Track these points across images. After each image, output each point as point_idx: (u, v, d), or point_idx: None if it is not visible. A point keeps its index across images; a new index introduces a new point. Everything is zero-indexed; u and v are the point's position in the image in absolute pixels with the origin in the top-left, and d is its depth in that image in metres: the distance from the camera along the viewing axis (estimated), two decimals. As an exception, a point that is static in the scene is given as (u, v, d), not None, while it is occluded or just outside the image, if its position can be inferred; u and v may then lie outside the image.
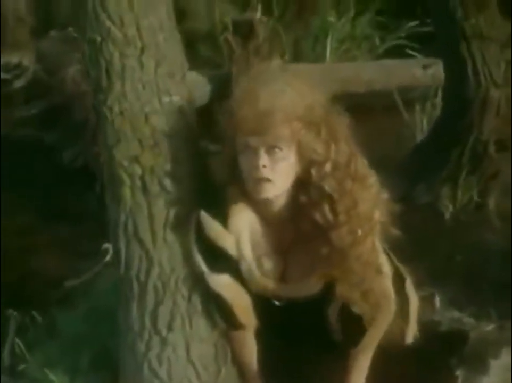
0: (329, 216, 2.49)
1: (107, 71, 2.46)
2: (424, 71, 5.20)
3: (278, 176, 2.48)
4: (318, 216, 2.49)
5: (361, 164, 2.55)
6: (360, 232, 2.50)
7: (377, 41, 5.67)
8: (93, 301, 3.02)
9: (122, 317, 2.62)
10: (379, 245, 2.61)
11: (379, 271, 2.57)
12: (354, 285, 2.52)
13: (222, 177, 2.56)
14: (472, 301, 3.47)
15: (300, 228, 2.53)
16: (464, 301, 3.47)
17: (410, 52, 5.37)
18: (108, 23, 2.43)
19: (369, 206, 2.52)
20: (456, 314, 3.43)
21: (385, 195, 2.57)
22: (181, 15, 5.41)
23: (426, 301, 3.34)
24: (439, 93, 4.54)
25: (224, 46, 5.11)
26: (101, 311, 2.90)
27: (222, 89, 4.74)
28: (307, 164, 2.50)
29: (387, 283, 2.59)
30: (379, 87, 5.16)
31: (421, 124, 4.64)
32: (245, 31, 4.97)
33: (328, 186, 2.49)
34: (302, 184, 2.52)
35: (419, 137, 4.57)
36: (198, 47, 5.47)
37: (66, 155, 4.73)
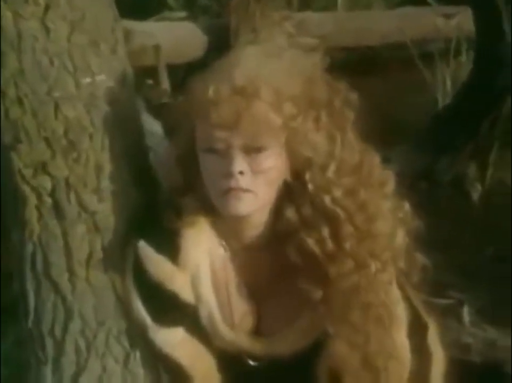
0: (329, 243, 1.74)
1: (-5, 40, 1.78)
2: (447, 21, 4.70)
3: (259, 185, 1.73)
4: (311, 243, 1.74)
5: (376, 164, 1.81)
6: (373, 266, 1.76)
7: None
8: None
9: (33, 386, 1.94)
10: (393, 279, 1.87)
11: (390, 316, 1.82)
12: (355, 346, 1.78)
13: (173, 184, 1.81)
14: (509, 312, 2.79)
15: (283, 260, 1.79)
16: (499, 313, 2.85)
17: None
18: (-8, -33, 1.74)
19: (388, 224, 1.78)
20: (489, 331, 2.84)
21: (407, 206, 1.82)
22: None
23: (451, 312, 2.84)
24: (464, 49, 4.25)
25: (223, -9, 4.61)
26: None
27: (221, 40, 4.14)
28: (300, 165, 1.75)
29: (399, 334, 1.83)
30: (395, 39, 4.68)
31: (443, 85, 4.21)
32: (245, -26, 4.56)
33: (330, 199, 1.74)
34: (290, 194, 1.77)
35: (442, 101, 4.12)
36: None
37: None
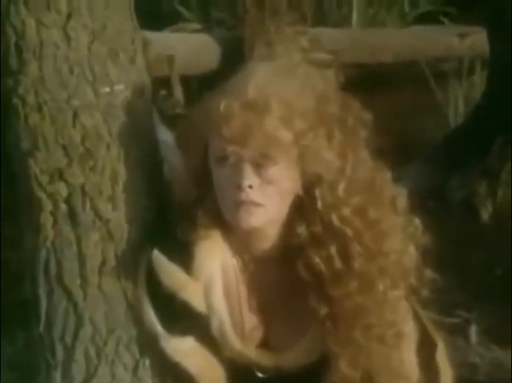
0: (336, 262, 1.74)
1: (17, 46, 1.76)
2: (461, 41, 4.64)
3: (269, 199, 1.73)
4: (317, 261, 1.74)
5: (388, 181, 1.81)
6: (381, 286, 1.75)
7: (407, 7, 5.04)
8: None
9: (42, 391, 1.93)
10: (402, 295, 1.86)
11: (399, 334, 1.81)
12: (357, 364, 1.78)
13: (187, 196, 1.82)
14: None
15: (292, 274, 1.80)
16: (506, 333, 2.79)
17: (445, 19, 4.82)
18: (16, -25, 1.77)
19: (399, 240, 1.78)
20: (496, 352, 2.82)
21: (417, 221, 1.82)
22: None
23: (458, 331, 2.81)
24: (478, 69, 4.17)
25: (238, 5, 4.51)
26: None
27: (235, 53, 4.17)
28: (310, 181, 1.75)
29: (408, 352, 1.83)
30: (409, 57, 4.66)
31: (455, 104, 4.15)
32: (261, -12, 4.48)
33: (338, 217, 1.73)
34: (302, 208, 1.77)
35: (454, 120, 4.06)
36: (209, 6, 4.91)
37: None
